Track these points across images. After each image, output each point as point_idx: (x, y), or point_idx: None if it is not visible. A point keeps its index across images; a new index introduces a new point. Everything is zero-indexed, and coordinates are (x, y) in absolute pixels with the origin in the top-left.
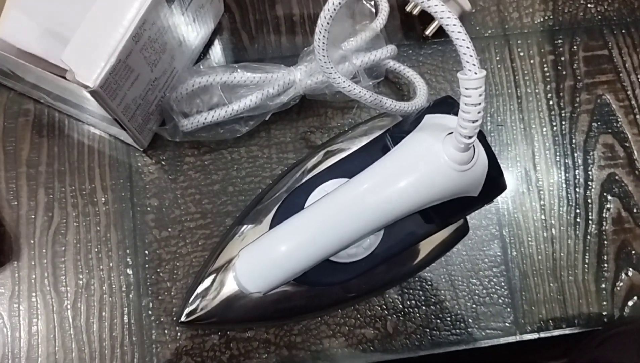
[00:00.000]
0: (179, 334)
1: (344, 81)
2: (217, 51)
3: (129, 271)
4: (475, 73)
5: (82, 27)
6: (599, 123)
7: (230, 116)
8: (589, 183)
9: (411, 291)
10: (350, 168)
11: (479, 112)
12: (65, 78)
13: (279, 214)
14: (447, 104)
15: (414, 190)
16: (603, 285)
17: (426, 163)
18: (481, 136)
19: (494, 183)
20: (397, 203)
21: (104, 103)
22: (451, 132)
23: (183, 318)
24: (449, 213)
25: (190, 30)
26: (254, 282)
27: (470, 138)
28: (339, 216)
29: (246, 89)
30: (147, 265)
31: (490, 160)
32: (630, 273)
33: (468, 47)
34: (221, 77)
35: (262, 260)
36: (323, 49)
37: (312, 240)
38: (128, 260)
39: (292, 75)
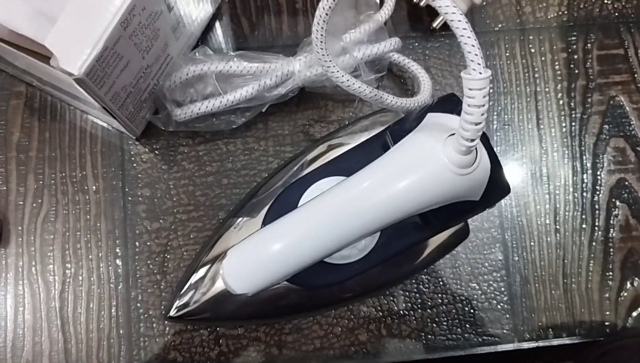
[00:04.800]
0: (167, 328)
1: (342, 75)
2: (215, 38)
3: (118, 262)
4: (480, 73)
5: (66, 11)
6: (610, 125)
7: (225, 107)
8: (597, 187)
9: (407, 293)
10: (347, 165)
11: (482, 115)
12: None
13: (272, 211)
14: (451, 102)
15: (412, 193)
16: (607, 295)
17: (425, 166)
18: (484, 139)
19: (496, 188)
20: (393, 206)
21: (90, 91)
22: (453, 134)
23: (173, 312)
24: (448, 217)
25: (185, 15)
26: (241, 283)
27: (472, 140)
28: (333, 217)
29: (242, 79)
30: (136, 257)
31: (493, 164)
32: (635, 283)
33: (473, 45)
34: (217, 66)
35: (250, 260)
36: (321, 41)
37: (303, 242)
38: (117, 250)
39: (291, 66)
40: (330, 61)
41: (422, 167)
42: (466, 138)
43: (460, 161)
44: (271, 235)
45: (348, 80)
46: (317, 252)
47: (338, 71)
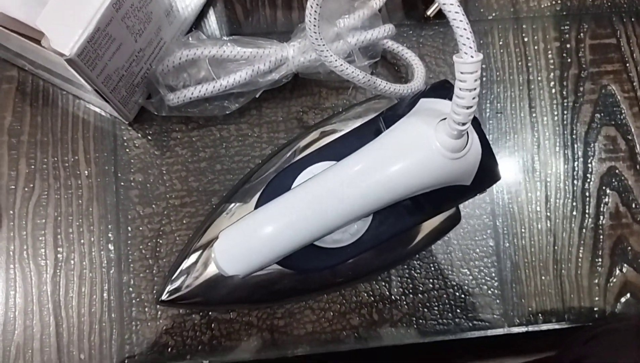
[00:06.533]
0: (159, 313)
1: (336, 60)
2: (209, 24)
3: (111, 246)
4: (472, 57)
5: None
6: (602, 114)
7: (218, 92)
8: (588, 175)
9: (399, 278)
10: (340, 150)
11: (473, 98)
12: (41, 45)
13: (265, 195)
14: (444, 89)
15: (404, 177)
16: (596, 280)
17: (417, 149)
18: (476, 124)
19: (487, 173)
20: (385, 190)
21: (82, 73)
22: (444, 118)
23: (164, 296)
24: (440, 201)
25: (179, 0)
26: (232, 264)
27: (463, 124)
28: (324, 200)
29: (236, 64)
30: (129, 242)
31: (485, 149)
32: (624, 269)
33: (465, 29)
34: (210, 51)
35: (241, 241)
36: (315, 25)
37: (294, 223)
38: (110, 235)
39: (285, 51)
40: (324, 45)
41: (413, 150)
42: (457, 121)
43: (451, 145)
44: (262, 217)
45: (341, 65)
46: (309, 234)
47: (331, 55)
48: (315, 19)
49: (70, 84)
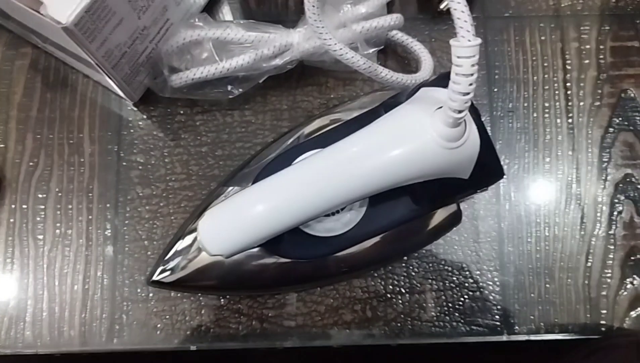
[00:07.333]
0: (150, 294)
1: (335, 43)
2: (220, 10)
3: (108, 225)
4: (469, 40)
5: None
6: (620, 119)
7: (221, 74)
8: (602, 181)
9: (395, 276)
10: (340, 138)
11: (470, 85)
12: (39, 13)
13: (259, 178)
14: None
15: (396, 162)
16: (604, 292)
17: (412, 136)
18: (475, 115)
19: (486, 167)
20: (377, 174)
21: (81, 44)
22: (442, 106)
23: (155, 277)
24: (436, 194)
25: None
26: (216, 244)
27: (459, 112)
28: (313, 180)
29: (240, 48)
30: (126, 222)
31: (484, 141)
32: (635, 283)
33: (463, 12)
34: (214, 33)
35: (227, 220)
36: (314, 6)
37: (281, 202)
38: (107, 214)
39: (290, 37)
40: (323, 27)
41: (408, 137)
42: (453, 108)
43: (447, 133)
44: (249, 196)
45: (340, 49)
46: (296, 214)
47: (330, 38)
48: None
49: (77, 60)
